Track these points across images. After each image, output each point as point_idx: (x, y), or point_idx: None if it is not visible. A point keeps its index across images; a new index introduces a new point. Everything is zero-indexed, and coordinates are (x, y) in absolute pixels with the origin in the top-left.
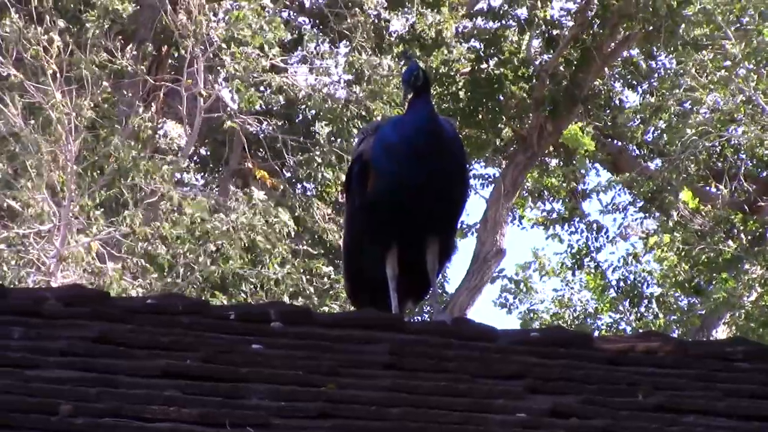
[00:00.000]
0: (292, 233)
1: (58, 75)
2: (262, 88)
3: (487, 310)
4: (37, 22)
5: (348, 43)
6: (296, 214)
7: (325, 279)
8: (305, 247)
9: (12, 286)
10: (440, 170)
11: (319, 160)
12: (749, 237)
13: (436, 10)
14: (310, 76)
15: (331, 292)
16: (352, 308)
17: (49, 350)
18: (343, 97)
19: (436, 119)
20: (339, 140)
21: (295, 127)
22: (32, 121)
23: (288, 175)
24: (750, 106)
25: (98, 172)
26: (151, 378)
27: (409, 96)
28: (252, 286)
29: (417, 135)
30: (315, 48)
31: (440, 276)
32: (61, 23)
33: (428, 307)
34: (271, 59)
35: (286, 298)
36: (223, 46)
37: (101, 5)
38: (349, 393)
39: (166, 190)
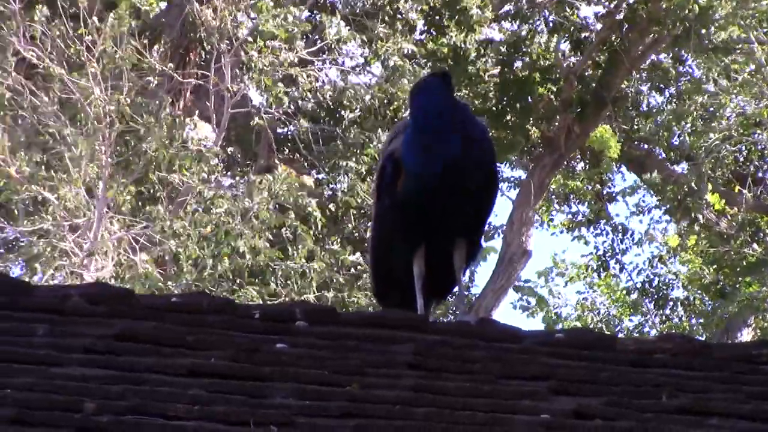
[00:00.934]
0: (319, 224)
1: (97, 72)
2: (291, 88)
3: (511, 313)
4: (69, 18)
5: (373, 38)
6: (324, 209)
7: (352, 270)
8: (332, 246)
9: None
10: (476, 174)
11: (343, 150)
12: None
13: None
14: (335, 72)
15: (359, 283)
16: (378, 305)
17: (73, 348)
18: (367, 85)
19: (474, 122)
20: (364, 132)
21: (323, 123)
22: (65, 117)
23: (316, 175)
24: None
25: (132, 166)
26: (175, 376)
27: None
28: (281, 279)
29: (449, 144)
30: (339, 42)
31: (466, 276)
32: (96, 21)
33: (454, 308)
34: (297, 54)
35: (313, 290)
36: (250, 40)
37: (129, 3)
38: (373, 393)
39: (196, 185)
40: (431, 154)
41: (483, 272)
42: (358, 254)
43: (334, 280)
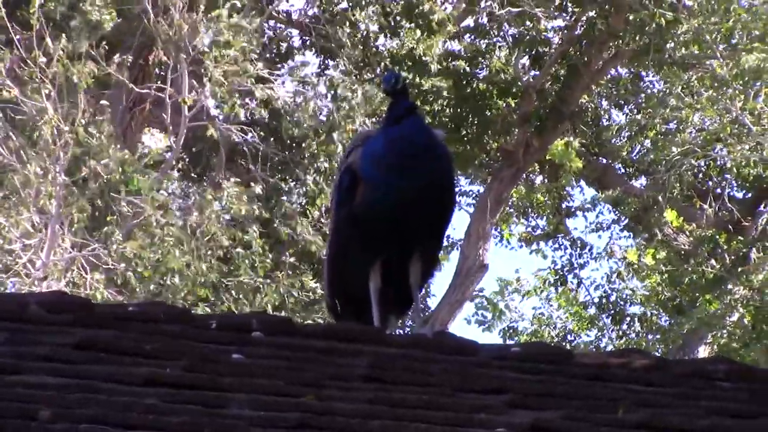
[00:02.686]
0: (256, 246)
1: (52, 92)
2: (247, 99)
3: (466, 327)
4: (23, 29)
5: (331, 58)
6: (275, 225)
7: (311, 294)
8: (291, 259)
9: None
10: (430, 182)
11: (301, 174)
12: (732, 257)
13: (422, 31)
14: (291, 86)
15: (315, 306)
16: (333, 319)
17: (32, 356)
18: (327, 110)
19: (430, 133)
20: (323, 154)
21: (279, 138)
22: (18, 138)
23: (270, 184)
24: (736, 126)
25: (86, 186)
26: (132, 386)
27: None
28: (233, 295)
29: (406, 153)
30: (299, 63)
31: (423, 290)
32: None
33: (410, 321)
34: (255, 69)
35: (269, 310)
36: (206, 49)
37: (85, 17)
38: (330, 405)
39: (150, 210)
40: (398, 170)
41: (439, 285)
42: (317, 283)
43: (287, 302)
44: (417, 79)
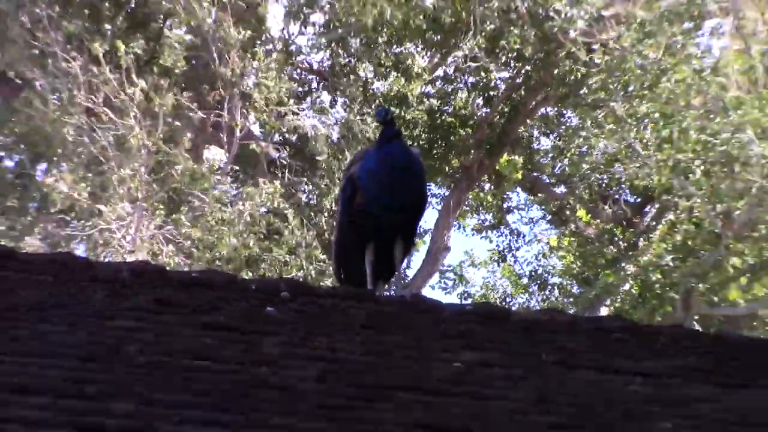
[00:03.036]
0: (297, 231)
1: (138, 115)
2: (281, 126)
3: (433, 292)
4: (116, 68)
5: (341, 96)
6: (302, 218)
7: (322, 263)
8: (312, 243)
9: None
10: (408, 192)
11: (318, 181)
12: (625, 244)
13: (405, 78)
14: (314, 121)
15: (326, 274)
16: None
17: (123, 308)
18: (337, 137)
19: (410, 154)
20: (334, 167)
21: (302, 153)
22: (114, 150)
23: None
24: (630, 151)
25: (163, 183)
26: (196, 329)
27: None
28: (268, 265)
29: (394, 168)
30: (318, 99)
31: (403, 265)
32: (140, 80)
33: (394, 287)
34: (287, 107)
35: (294, 277)
36: (252, 88)
37: (162, 64)
38: (336, 345)
39: (211, 203)
40: (386, 180)
41: (416, 261)
42: (325, 255)
43: (307, 269)
44: (401, 112)
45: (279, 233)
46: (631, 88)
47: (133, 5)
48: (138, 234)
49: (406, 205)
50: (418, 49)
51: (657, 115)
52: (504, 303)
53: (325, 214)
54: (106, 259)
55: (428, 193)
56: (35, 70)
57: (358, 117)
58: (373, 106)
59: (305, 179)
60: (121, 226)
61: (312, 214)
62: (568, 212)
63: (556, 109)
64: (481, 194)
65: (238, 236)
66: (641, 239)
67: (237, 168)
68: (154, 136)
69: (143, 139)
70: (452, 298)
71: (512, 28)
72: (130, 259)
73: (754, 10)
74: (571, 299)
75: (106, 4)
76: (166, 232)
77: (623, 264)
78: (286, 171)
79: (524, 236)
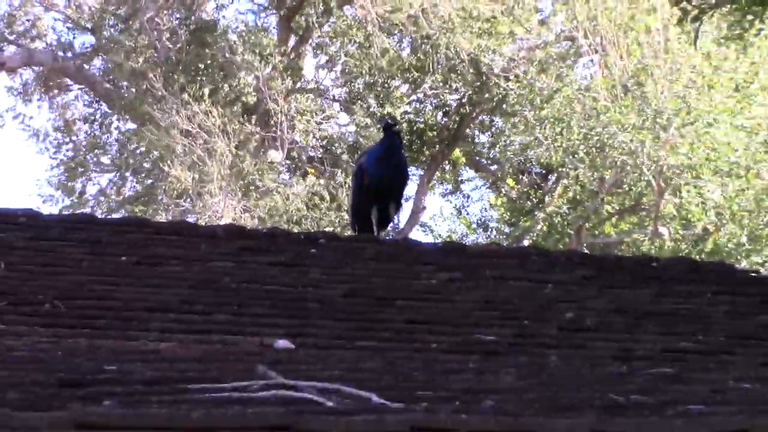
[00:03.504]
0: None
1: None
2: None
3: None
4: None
5: (353, 115)
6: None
7: (344, 220)
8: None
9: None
10: (398, 172)
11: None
12: (537, 200)
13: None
14: (337, 131)
15: (347, 227)
16: (354, 233)
17: (218, 252)
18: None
19: (399, 150)
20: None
21: (331, 152)
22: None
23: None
24: (537, 141)
25: (239, 175)
26: (263, 265)
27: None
28: (310, 223)
29: (389, 160)
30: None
31: (395, 219)
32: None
33: (390, 233)
34: (319, 125)
35: (327, 229)
36: (294, 113)
37: (233, 97)
38: (355, 272)
39: (273, 186)
40: (384, 165)
41: (404, 215)
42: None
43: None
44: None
45: (316, 205)
46: (535, 103)
47: (209, 60)
48: (224, 208)
49: (395, 181)
50: (399, 82)
51: (552, 119)
52: (461, 241)
53: (345, 191)
54: (206, 224)
55: (409, 173)
56: (151, 109)
57: (362, 129)
58: (376, 119)
59: (332, 169)
60: (214, 204)
61: (337, 191)
62: (499, 182)
63: (488, 117)
64: (443, 173)
65: (290, 206)
66: (547, 197)
67: (288, 163)
68: (231, 146)
69: (226, 148)
70: (428, 239)
71: (457, 69)
72: (221, 223)
73: (613, 49)
74: (504, 236)
75: (199, 66)
76: (243, 207)
77: (536, 213)
78: (323, 165)
79: (472, 198)
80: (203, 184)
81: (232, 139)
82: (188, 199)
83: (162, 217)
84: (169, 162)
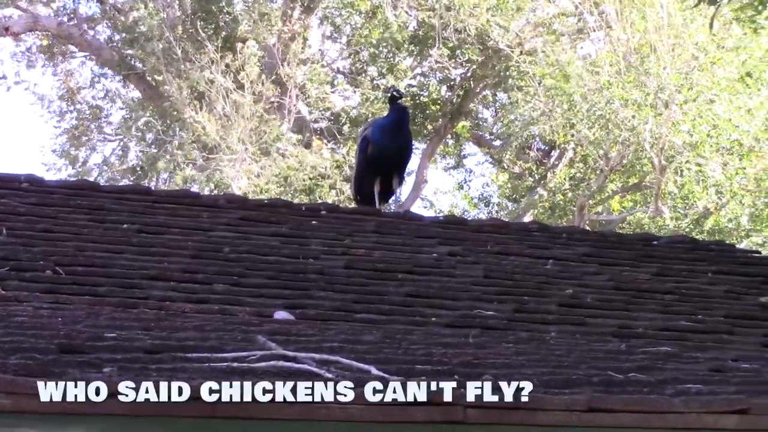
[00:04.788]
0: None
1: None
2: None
3: (417, 209)
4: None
5: (357, 87)
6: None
7: (347, 191)
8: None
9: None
10: (403, 145)
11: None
12: (539, 176)
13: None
14: (342, 104)
15: (350, 198)
16: (357, 204)
17: (218, 222)
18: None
19: (405, 123)
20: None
21: (338, 122)
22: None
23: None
24: (541, 115)
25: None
26: (265, 235)
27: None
28: (315, 194)
29: (395, 132)
30: (343, 90)
31: (398, 191)
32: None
33: (392, 206)
34: (325, 95)
35: (328, 200)
36: (301, 83)
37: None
38: (356, 244)
39: (283, 147)
40: (389, 138)
41: (406, 189)
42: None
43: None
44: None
45: (322, 176)
46: (540, 78)
47: (226, 30)
48: (241, 167)
49: (400, 152)
50: (405, 55)
51: (557, 94)
52: (462, 215)
53: (349, 163)
54: (221, 186)
55: (413, 146)
56: (168, 74)
57: (367, 101)
58: (380, 93)
59: (336, 139)
60: (233, 161)
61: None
62: (502, 157)
63: (492, 92)
64: (446, 147)
65: (298, 173)
66: (549, 173)
67: (295, 129)
68: (257, 106)
69: (252, 104)
70: (430, 213)
71: (464, 43)
72: (235, 185)
73: (618, 24)
74: (506, 212)
75: (210, 31)
76: (262, 169)
77: (538, 189)
78: (330, 136)
79: (474, 173)
80: (224, 138)
81: (257, 100)
82: (205, 152)
83: (177, 177)
84: (189, 115)
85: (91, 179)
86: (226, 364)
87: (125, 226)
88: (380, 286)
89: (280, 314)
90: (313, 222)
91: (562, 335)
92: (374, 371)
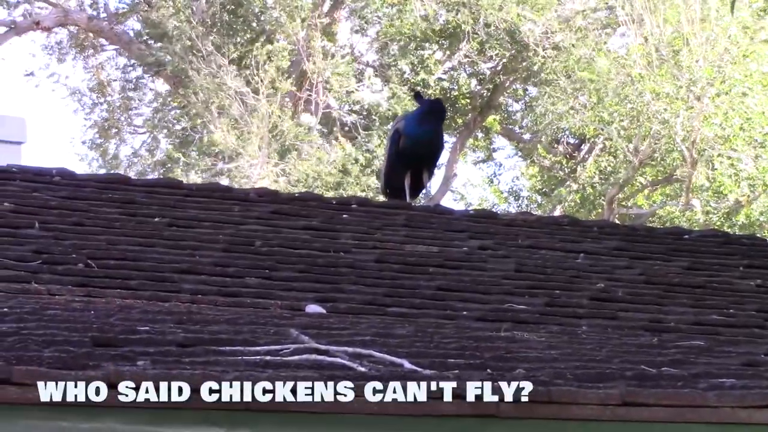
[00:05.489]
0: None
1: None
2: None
3: (446, 202)
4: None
5: (387, 82)
6: (365, 156)
7: (376, 186)
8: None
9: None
10: (434, 139)
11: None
12: (569, 170)
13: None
14: (371, 98)
15: (378, 193)
16: (387, 198)
17: (250, 216)
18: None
19: (438, 117)
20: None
21: (367, 117)
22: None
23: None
24: (571, 110)
25: (277, 136)
26: (296, 230)
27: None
28: (345, 189)
29: (426, 125)
30: (372, 84)
31: (428, 185)
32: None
33: (422, 200)
34: (353, 89)
35: (360, 194)
36: (329, 75)
37: (270, 71)
38: (386, 237)
39: (308, 146)
40: (421, 131)
41: (435, 182)
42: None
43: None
44: (429, 92)
45: (346, 171)
46: (571, 71)
47: (252, 24)
48: (262, 169)
49: (431, 147)
50: (435, 49)
51: (588, 88)
52: (492, 209)
53: (378, 157)
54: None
55: (444, 140)
56: (192, 70)
57: (395, 96)
58: (407, 88)
59: (365, 133)
60: (251, 166)
61: (369, 156)
62: (532, 150)
63: (522, 86)
64: (476, 141)
65: (324, 169)
66: (579, 167)
67: (320, 125)
68: (273, 106)
69: (269, 108)
70: (459, 207)
71: (494, 37)
72: (257, 185)
73: (650, 17)
74: (536, 206)
75: (237, 25)
76: (281, 170)
77: (568, 182)
78: (357, 131)
79: (504, 166)
80: (242, 144)
81: (271, 101)
82: (224, 160)
83: (197, 177)
84: (209, 118)
85: (121, 172)
86: (259, 357)
87: (157, 219)
88: (410, 280)
89: (312, 308)
90: (344, 216)
91: (593, 329)
92: (407, 365)
